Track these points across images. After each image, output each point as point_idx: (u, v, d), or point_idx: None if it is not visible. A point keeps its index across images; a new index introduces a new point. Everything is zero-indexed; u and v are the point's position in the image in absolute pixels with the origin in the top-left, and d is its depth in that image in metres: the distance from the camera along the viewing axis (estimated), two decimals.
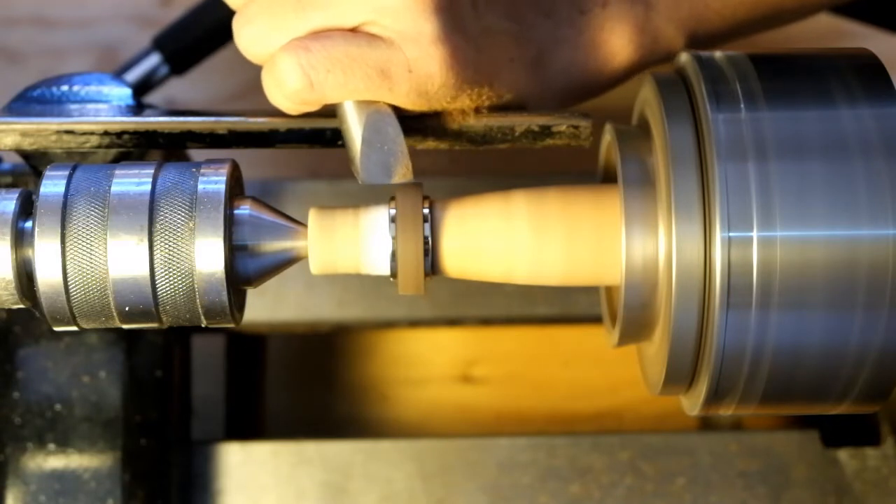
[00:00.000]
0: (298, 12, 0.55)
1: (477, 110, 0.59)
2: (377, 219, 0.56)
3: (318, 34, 0.55)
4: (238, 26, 0.56)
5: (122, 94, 0.65)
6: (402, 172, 0.55)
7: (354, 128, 0.56)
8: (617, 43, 0.63)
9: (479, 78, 0.58)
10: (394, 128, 0.56)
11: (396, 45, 0.55)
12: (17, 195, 0.55)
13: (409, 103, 0.57)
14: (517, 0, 0.61)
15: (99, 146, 0.60)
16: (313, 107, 0.56)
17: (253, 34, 0.55)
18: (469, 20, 0.57)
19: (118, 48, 1.09)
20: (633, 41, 0.63)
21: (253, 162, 0.65)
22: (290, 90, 0.55)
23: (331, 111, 0.58)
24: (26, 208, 0.55)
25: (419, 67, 0.56)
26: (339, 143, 0.60)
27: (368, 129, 0.55)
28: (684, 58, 0.57)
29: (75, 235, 0.53)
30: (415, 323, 0.83)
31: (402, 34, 0.55)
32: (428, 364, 1.00)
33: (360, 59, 0.55)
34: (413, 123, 0.58)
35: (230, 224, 0.55)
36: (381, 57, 0.55)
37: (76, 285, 0.53)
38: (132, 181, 0.54)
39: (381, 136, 0.55)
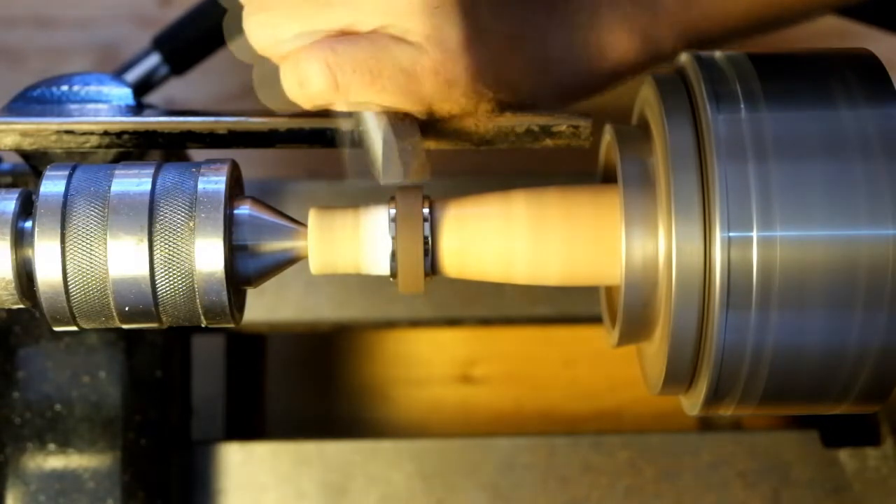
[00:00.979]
0: (322, 11, 0.54)
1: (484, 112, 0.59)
2: (377, 219, 0.56)
3: (343, 36, 0.54)
4: (255, 23, 0.55)
5: (122, 94, 0.65)
6: (419, 172, 0.55)
7: (374, 128, 0.56)
8: (622, 46, 0.63)
9: (494, 82, 0.58)
10: (412, 128, 0.56)
11: (423, 48, 0.55)
12: (17, 195, 0.55)
13: (429, 107, 0.56)
14: (526, 4, 0.61)
15: (99, 146, 0.60)
16: (335, 108, 0.56)
17: (272, 32, 0.55)
18: (486, 25, 0.57)
19: (118, 48, 1.09)
20: (638, 45, 0.63)
21: (253, 162, 0.65)
22: (314, 90, 0.55)
23: (334, 111, 0.57)
24: (26, 208, 0.55)
25: (444, 71, 0.55)
26: (339, 142, 0.60)
27: (388, 129, 0.55)
28: (684, 58, 0.57)
29: (75, 235, 0.53)
30: (415, 323, 0.83)
31: (429, 38, 0.55)
32: (428, 364, 1.00)
33: (386, 61, 0.54)
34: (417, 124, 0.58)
35: (230, 224, 0.55)
36: (407, 60, 0.55)
37: (76, 285, 0.53)
38: (132, 181, 0.54)
39: (400, 136, 0.55)
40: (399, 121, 0.56)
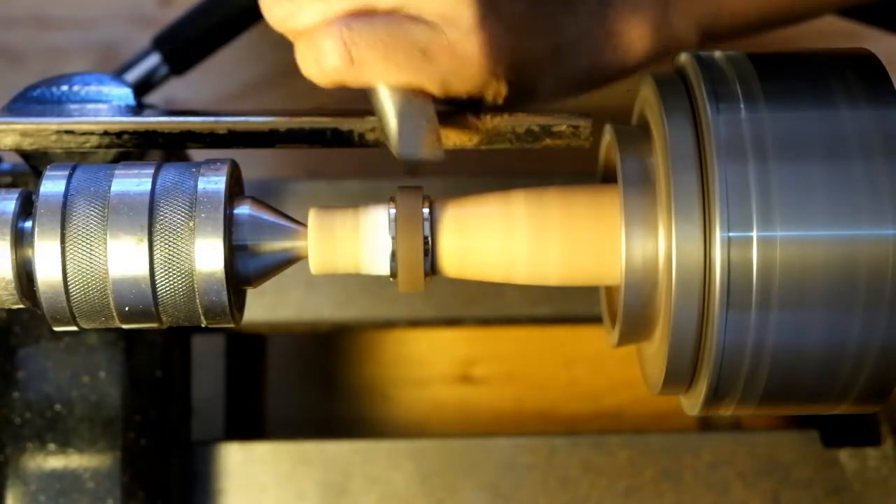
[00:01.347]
0: None
1: (492, 108, 0.59)
2: (377, 219, 0.56)
3: (360, 13, 0.55)
4: (272, 1, 0.55)
5: (122, 94, 0.65)
6: (434, 146, 0.55)
7: (388, 104, 0.56)
8: (634, 35, 0.63)
9: (507, 63, 0.58)
10: (427, 104, 0.56)
11: (439, 27, 0.55)
12: (17, 195, 0.55)
13: (444, 86, 0.56)
14: None
15: (99, 146, 0.60)
16: (350, 85, 0.56)
17: (289, 8, 0.55)
18: (501, 6, 0.58)
19: (118, 48, 1.09)
20: (649, 36, 0.63)
21: (253, 162, 0.65)
22: (329, 66, 0.55)
23: (335, 111, 0.58)
24: (26, 208, 0.55)
25: (459, 51, 0.56)
26: (339, 143, 0.60)
27: (403, 103, 0.55)
28: (684, 58, 0.57)
29: (75, 235, 0.53)
30: (415, 323, 0.83)
31: (444, 17, 0.55)
32: (428, 364, 1.00)
33: (403, 38, 0.55)
34: None
35: (230, 224, 0.55)
36: (422, 38, 0.55)
37: (76, 285, 0.53)
38: (132, 181, 0.54)
39: (414, 110, 0.55)
40: (414, 97, 0.56)
